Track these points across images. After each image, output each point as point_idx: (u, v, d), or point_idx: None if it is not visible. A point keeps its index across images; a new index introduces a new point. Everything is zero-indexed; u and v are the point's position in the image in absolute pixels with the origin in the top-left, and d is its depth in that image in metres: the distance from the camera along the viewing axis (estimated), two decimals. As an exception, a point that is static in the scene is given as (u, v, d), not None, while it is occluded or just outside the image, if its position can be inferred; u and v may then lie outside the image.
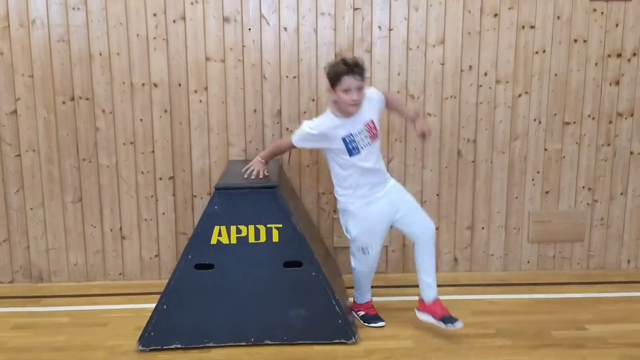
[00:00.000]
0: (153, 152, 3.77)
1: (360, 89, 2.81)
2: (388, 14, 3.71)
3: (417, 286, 3.82)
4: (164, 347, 2.95)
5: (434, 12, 3.72)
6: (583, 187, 3.99)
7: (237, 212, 2.94)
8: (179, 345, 2.96)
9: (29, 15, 3.57)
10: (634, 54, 3.84)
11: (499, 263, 4.06)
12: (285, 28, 3.69)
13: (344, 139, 2.88)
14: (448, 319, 2.98)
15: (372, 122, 2.95)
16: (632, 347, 2.98)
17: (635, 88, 3.89)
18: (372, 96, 3.00)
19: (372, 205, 3.00)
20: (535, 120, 3.89)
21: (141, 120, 3.73)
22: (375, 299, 3.60)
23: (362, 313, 3.27)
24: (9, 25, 3.57)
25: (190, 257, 2.94)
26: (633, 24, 3.80)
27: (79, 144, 3.73)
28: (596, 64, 3.84)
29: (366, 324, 3.22)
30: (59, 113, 3.69)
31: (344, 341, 3.00)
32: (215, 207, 2.94)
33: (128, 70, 3.66)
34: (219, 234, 2.93)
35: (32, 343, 3.08)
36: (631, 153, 3.97)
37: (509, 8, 3.74)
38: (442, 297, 3.62)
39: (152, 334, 2.95)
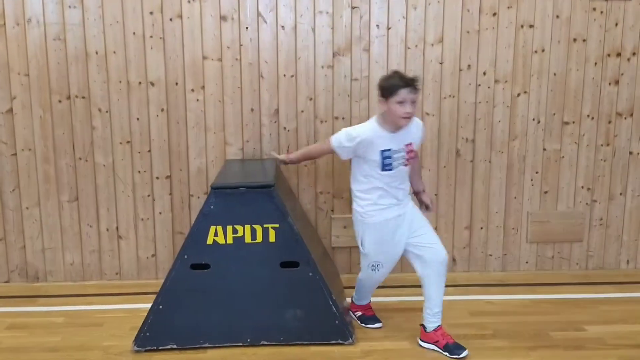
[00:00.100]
0: (150, 151, 3.75)
1: (414, 103, 2.76)
2: (386, 12, 3.69)
3: (416, 286, 3.80)
4: (160, 348, 2.93)
5: (432, 11, 3.70)
6: (582, 187, 3.97)
7: (233, 211, 2.92)
8: (174, 346, 2.94)
9: (25, 14, 3.55)
10: (634, 54, 3.82)
11: (497, 263, 4.04)
12: (282, 26, 3.67)
13: (382, 152, 2.81)
14: (453, 348, 2.90)
15: (412, 145, 2.89)
16: (632, 348, 2.96)
17: (634, 88, 3.87)
18: (418, 124, 2.95)
19: (392, 224, 2.90)
20: (534, 119, 3.87)
21: (138, 119, 3.71)
22: (372, 299, 3.58)
23: (359, 314, 3.26)
24: (4, 24, 3.55)
25: (186, 257, 2.92)
26: (633, 23, 3.78)
27: (75, 143, 3.72)
28: (595, 63, 3.82)
29: (363, 325, 3.21)
30: (55, 112, 3.67)
31: (341, 342, 2.98)
32: (212, 207, 2.92)
33: (124, 68, 3.64)
34: (215, 234, 2.91)
35: (27, 343, 3.06)
36: (630, 153, 3.95)
37: (508, 7, 3.72)
38: (440, 298, 3.61)
39: (148, 334, 2.93)
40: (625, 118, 3.90)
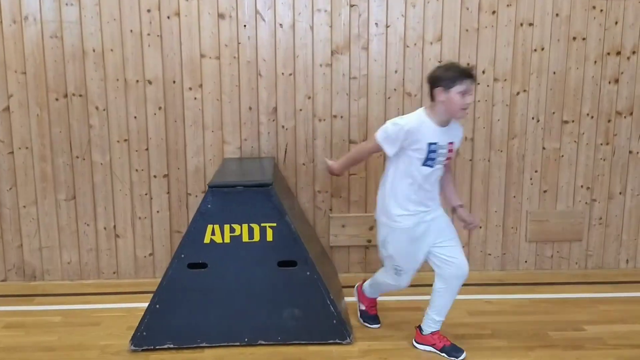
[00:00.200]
0: (147, 149, 3.74)
1: (472, 95, 2.70)
2: (385, 10, 3.67)
3: (414, 286, 3.79)
4: (157, 347, 2.92)
5: (431, 9, 3.68)
6: (581, 187, 3.96)
7: (230, 210, 2.90)
8: (171, 345, 2.93)
9: (22, 11, 3.53)
10: (634, 52, 3.81)
11: (496, 263, 4.02)
12: (281, 24, 3.65)
13: (429, 144, 2.69)
14: (451, 350, 2.87)
15: (453, 145, 2.78)
16: (631, 348, 2.95)
17: (634, 86, 3.85)
18: (459, 126, 2.86)
19: (418, 231, 2.80)
20: (533, 118, 3.85)
21: (135, 117, 3.70)
22: (371, 298, 3.58)
23: (362, 307, 3.23)
24: (1, 22, 3.53)
25: (183, 256, 2.91)
26: (632, 22, 3.76)
27: (72, 142, 3.70)
28: (595, 62, 3.81)
29: (361, 321, 3.20)
30: (52, 110, 3.66)
31: (338, 341, 2.97)
32: (209, 206, 2.90)
33: (122, 66, 3.63)
34: (212, 233, 2.89)
35: (24, 342, 3.04)
36: (630, 152, 3.94)
37: (507, 5, 3.70)
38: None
39: (145, 333, 2.91)
40: (625, 117, 3.89)
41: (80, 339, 3.07)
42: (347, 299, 3.48)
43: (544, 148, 3.89)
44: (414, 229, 2.79)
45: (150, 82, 3.66)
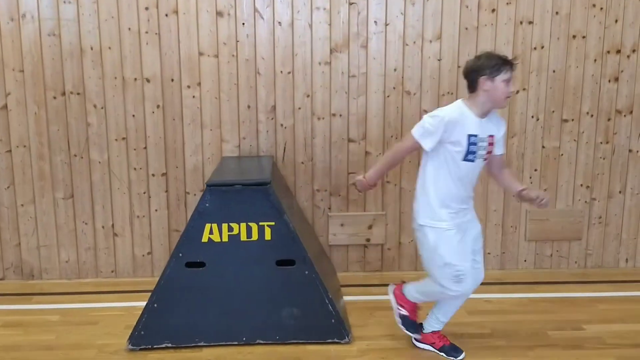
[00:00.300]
0: (145, 148, 3.73)
1: (513, 84, 2.64)
2: (384, 8, 3.66)
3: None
4: (155, 347, 2.91)
5: (430, 7, 3.67)
6: (581, 185, 3.95)
7: (228, 209, 2.89)
8: (169, 345, 2.92)
9: (19, 9, 3.52)
10: (634, 50, 3.79)
11: (495, 262, 4.01)
12: (279, 23, 3.64)
13: (469, 136, 2.58)
14: (450, 350, 2.85)
15: (493, 138, 2.67)
16: (630, 347, 2.94)
17: (634, 85, 3.84)
18: (500, 118, 2.77)
19: (462, 228, 2.69)
20: (533, 117, 3.84)
21: (133, 115, 3.68)
22: (370, 297, 3.58)
23: (404, 312, 2.92)
24: (-2, 19, 3.52)
25: (181, 255, 2.90)
26: (632, 20, 3.75)
27: (70, 140, 3.69)
28: (595, 60, 3.79)
29: (403, 328, 2.92)
30: (49, 108, 3.64)
31: (337, 340, 2.96)
32: (207, 205, 2.89)
33: (120, 64, 3.61)
34: (211, 232, 2.88)
35: (22, 341, 3.04)
36: (630, 151, 3.92)
37: (507, 3, 3.69)
38: (437, 296, 3.59)
39: (142, 333, 2.90)
40: (624, 115, 3.88)
41: (78, 338, 3.06)
42: (346, 297, 3.48)
43: (543, 147, 3.88)
44: (460, 226, 2.68)
45: (148, 80, 3.65)
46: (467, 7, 3.68)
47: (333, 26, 3.67)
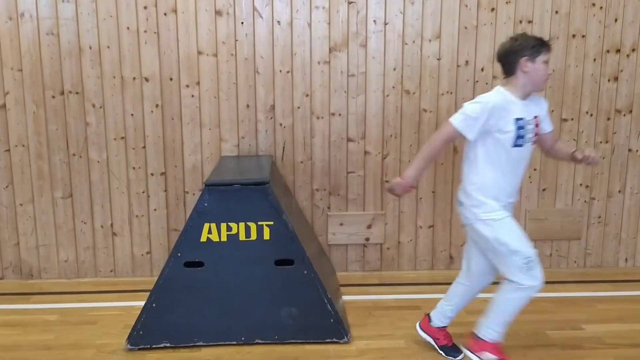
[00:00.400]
0: (144, 147, 3.72)
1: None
2: (383, 7, 3.65)
3: (412, 284, 3.79)
4: (153, 346, 2.91)
5: (430, 6, 3.66)
6: (580, 185, 3.94)
7: (227, 209, 2.89)
8: (168, 344, 2.91)
9: (18, 8, 3.51)
10: (633, 50, 3.79)
11: (495, 261, 4.01)
12: (278, 22, 3.63)
13: (516, 120, 2.46)
14: (450, 349, 2.84)
15: (538, 119, 2.57)
16: (630, 347, 2.94)
17: (634, 84, 3.83)
18: (540, 97, 2.69)
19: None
20: (532, 116, 3.83)
21: (132, 115, 3.68)
22: (369, 297, 3.58)
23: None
24: (-3, 18, 3.52)
25: (179, 254, 2.90)
26: (632, 19, 3.74)
27: (69, 139, 3.68)
28: (595, 59, 3.79)
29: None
30: (48, 107, 3.64)
31: (336, 340, 2.95)
32: (205, 204, 2.88)
33: (118, 63, 3.61)
34: (209, 232, 2.88)
35: (21, 341, 3.03)
36: (629, 150, 3.92)
37: (507, 2, 3.68)
38: (436, 296, 3.58)
39: (141, 332, 2.90)
40: (624, 115, 3.87)
41: (76, 337, 3.06)
42: (345, 297, 3.48)
43: (543, 146, 3.88)
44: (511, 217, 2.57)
45: (147, 80, 3.64)
46: (467, 6, 3.67)
47: (332, 25, 3.66)
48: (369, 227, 3.90)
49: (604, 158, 3.92)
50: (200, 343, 2.92)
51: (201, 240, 2.88)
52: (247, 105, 3.72)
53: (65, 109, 3.64)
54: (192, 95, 3.68)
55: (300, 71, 3.69)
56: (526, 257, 2.50)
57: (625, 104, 3.86)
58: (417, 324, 2.95)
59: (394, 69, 3.73)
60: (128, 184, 3.76)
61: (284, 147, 3.78)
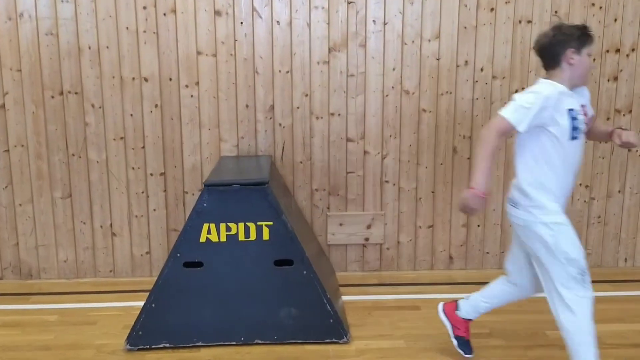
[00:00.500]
0: (144, 147, 3.72)
1: None
2: (383, 7, 3.65)
3: (412, 284, 3.78)
4: (152, 347, 2.91)
5: (429, 6, 3.66)
6: (580, 185, 3.94)
7: (226, 209, 2.89)
8: (167, 345, 2.91)
9: (17, 8, 3.51)
10: (633, 50, 3.78)
11: (494, 261, 4.01)
12: (277, 22, 3.63)
13: (569, 111, 2.32)
14: (465, 344, 2.80)
15: (585, 108, 2.45)
16: (630, 347, 2.94)
17: (633, 84, 3.83)
18: (584, 88, 2.55)
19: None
20: (532, 116, 3.83)
21: (131, 115, 3.67)
22: (368, 297, 3.58)
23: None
24: (-4, 18, 3.52)
25: (179, 255, 2.90)
26: (632, 19, 3.74)
27: (68, 139, 3.68)
28: (594, 59, 3.78)
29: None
30: (47, 108, 3.63)
31: (335, 340, 2.95)
32: (205, 204, 2.88)
33: (118, 64, 3.60)
34: (208, 232, 2.88)
35: (20, 341, 3.03)
36: (629, 150, 3.92)
37: (506, 2, 3.68)
38: (436, 296, 3.59)
39: (140, 333, 2.90)
40: (624, 115, 3.87)
41: (76, 338, 3.06)
42: (345, 297, 3.48)
43: (542, 146, 3.87)
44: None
45: (146, 80, 3.64)
46: (466, 6, 3.67)
47: (331, 25, 3.66)
48: (369, 227, 3.90)
49: (603, 158, 3.92)
50: (200, 343, 2.92)
51: (200, 240, 2.88)
52: (247, 106, 3.72)
53: (65, 109, 3.64)
54: (192, 96, 3.68)
55: (299, 71, 3.69)
56: (581, 268, 2.37)
57: (625, 103, 3.86)
58: (440, 306, 2.84)
59: (394, 69, 3.72)
60: (127, 184, 3.76)
61: (283, 147, 3.78)
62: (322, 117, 3.76)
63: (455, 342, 2.81)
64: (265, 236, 2.90)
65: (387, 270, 3.97)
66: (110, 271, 3.86)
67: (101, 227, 3.80)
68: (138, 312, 2.94)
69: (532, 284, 2.62)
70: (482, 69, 3.75)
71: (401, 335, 3.05)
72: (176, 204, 3.80)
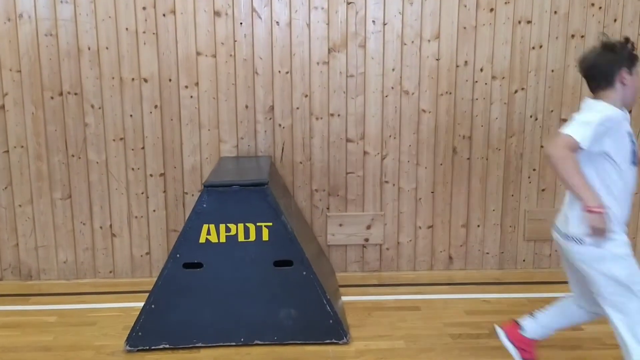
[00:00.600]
0: (143, 148, 3.72)
1: None
2: (382, 8, 3.65)
3: (411, 285, 3.78)
4: (152, 348, 2.90)
5: (428, 6, 3.66)
6: (580, 185, 3.94)
7: (226, 210, 2.89)
8: (167, 346, 2.91)
9: (16, 9, 3.50)
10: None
11: (494, 261, 4.01)
12: (277, 22, 3.63)
13: (629, 134, 2.22)
14: None
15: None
16: (628, 348, 2.93)
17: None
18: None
19: None
20: (531, 116, 3.83)
21: (131, 115, 3.67)
22: (368, 298, 3.58)
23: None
24: (-5, 19, 3.52)
25: (178, 256, 2.89)
26: (632, 19, 3.74)
27: (68, 140, 3.68)
28: (594, 59, 3.78)
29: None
30: (47, 108, 3.63)
31: (335, 341, 2.95)
32: (204, 205, 2.88)
33: (117, 64, 3.60)
34: (208, 233, 2.88)
35: (20, 342, 3.03)
36: None
37: (505, 2, 3.67)
38: (436, 296, 3.60)
39: (140, 334, 2.90)
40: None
41: (75, 339, 3.05)
42: (345, 298, 3.48)
43: (542, 146, 3.87)
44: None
45: (146, 81, 3.64)
46: (466, 6, 3.67)
47: (331, 26, 3.66)
48: (368, 227, 3.90)
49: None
50: (200, 344, 2.92)
51: (200, 241, 2.88)
52: (246, 106, 3.72)
53: (64, 109, 3.64)
54: (191, 96, 3.68)
55: (299, 72, 3.69)
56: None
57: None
58: (500, 331, 2.64)
59: (393, 70, 3.72)
60: (127, 185, 3.76)
61: (283, 148, 3.78)
62: (321, 118, 3.76)
63: None
64: (265, 237, 2.90)
65: (386, 270, 3.97)
66: (110, 272, 3.86)
67: (101, 228, 3.80)
68: (138, 313, 2.93)
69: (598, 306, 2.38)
70: (481, 70, 3.75)
71: (401, 336, 3.05)
72: (176, 204, 3.80)
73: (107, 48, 3.58)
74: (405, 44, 3.70)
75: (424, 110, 3.78)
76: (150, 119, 3.69)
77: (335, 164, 3.82)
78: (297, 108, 3.74)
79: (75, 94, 3.62)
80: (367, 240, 3.91)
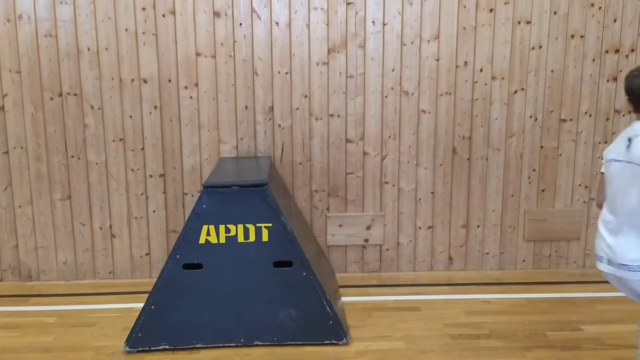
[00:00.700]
0: (143, 149, 3.72)
1: None
2: (382, 8, 3.64)
3: (411, 285, 3.79)
4: (152, 348, 2.90)
5: (428, 7, 3.66)
6: (579, 185, 3.94)
7: (226, 211, 2.89)
8: (167, 346, 2.91)
9: (16, 10, 3.50)
10: (632, 50, 3.78)
11: (494, 262, 4.01)
12: (277, 23, 3.63)
13: None
14: None
15: None
16: (629, 348, 2.93)
17: (633, 84, 3.82)
18: None
19: None
20: (531, 117, 3.83)
21: (130, 116, 3.67)
22: (368, 298, 3.58)
23: None
24: (-5, 20, 3.51)
25: (178, 256, 2.89)
26: (631, 19, 3.74)
27: (68, 141, 3.68)
28: (593, 60, 3.78)
29: None
30: (46, 109, 3.63)
31: (335, 342, 2.95)
32: (204, 206, 2.88)
33: (117, 65, 3.60)
34: (208, 234, 2.88)
35: (19, 343, 3.03)
36: None
37: (505, 3, 3.67)
38: (436, 297, 3.60)
39: (140, 335, 2.90)
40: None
41: (75, 339, 3.05)
42: (344, 298, 3.48)
43: (542, 147, 3.87)
44: None
45: (145, 81, 3.64)
46: (465, 6, 3.67)
47: (331, 26, 3.65)
48: (368, 228, 3.89)
49: (602, 158, 3.91)
50: (199, 345, 2.92)
51: (200, 242, 2.88)
52: (246, 107, 3.72)
53: (64, 110, 3.64)
54: (191, 97, 3.68)
55: (298, 72, 3.69)
56: None
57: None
58: None
59: (393, 70, 3.72)
60: (127, 186, 3.76)
61: (282, 148, 3.78)
62: (321, 118, 3.76)
63: None
64: (265, 237, 2.90)
65: (386, 271, 3.96)
66: (110, 273, 3.86)
67: (100, 228, 3.80)
68: (137, 313, 2.93)
69: None
70: (481, 70, 3.75)
71: (401, 337, 3.05)
72: (176, 205, 3.80)
73: (106, 49, 3.58)
74: (405, 45, 3.70)
75: (423, 111, 3.78)
76: (150, 120, 3.68)
77: (335, 165, 3.82)
78: (297, 108, 3.74)
79: (75, 94, 3.62)
80: (367, 240, 3.91)
